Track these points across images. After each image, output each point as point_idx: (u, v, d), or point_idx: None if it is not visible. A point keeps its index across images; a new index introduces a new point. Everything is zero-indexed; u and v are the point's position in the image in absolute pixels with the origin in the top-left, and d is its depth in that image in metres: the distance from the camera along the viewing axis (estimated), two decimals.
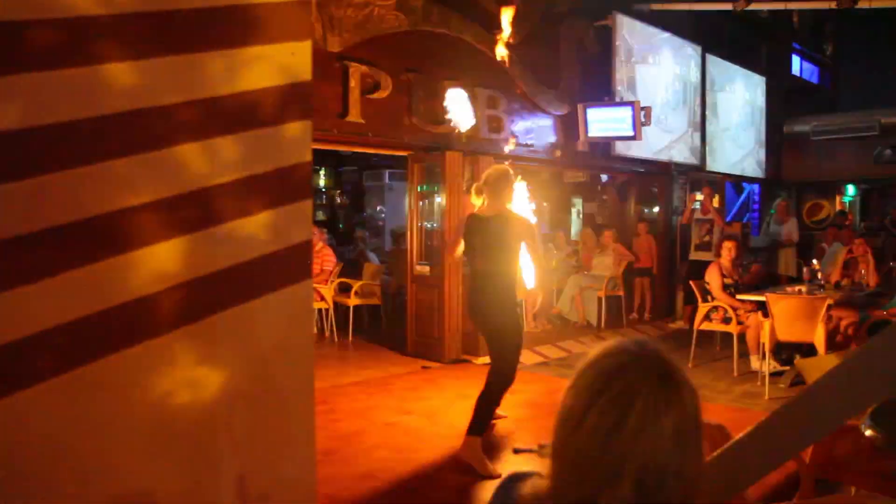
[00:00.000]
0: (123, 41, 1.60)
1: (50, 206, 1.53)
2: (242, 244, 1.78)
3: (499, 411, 4.99)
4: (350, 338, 8.48)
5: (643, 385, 0.97)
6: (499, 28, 7.78)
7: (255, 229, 1.80)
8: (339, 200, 15.18)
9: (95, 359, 1.57)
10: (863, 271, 7.64)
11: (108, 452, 1.65)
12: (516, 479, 1.14)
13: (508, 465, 4.40)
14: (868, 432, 2.97)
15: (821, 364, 3.66)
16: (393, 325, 8.93)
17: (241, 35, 1.78)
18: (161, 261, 1.65)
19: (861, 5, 8.76)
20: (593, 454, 0.95)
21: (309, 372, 1.92)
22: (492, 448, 4.59)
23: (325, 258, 8.61)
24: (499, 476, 4.22)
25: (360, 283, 8.83)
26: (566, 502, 0.97)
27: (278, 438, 1.89)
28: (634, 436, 0.94)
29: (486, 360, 6.27)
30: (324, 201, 15.12)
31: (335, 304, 8.60)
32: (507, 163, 5.44)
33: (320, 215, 14.53)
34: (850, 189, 14.90)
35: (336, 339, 8.38)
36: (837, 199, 14.55)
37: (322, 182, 15.20)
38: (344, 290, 8.80)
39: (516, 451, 4.55)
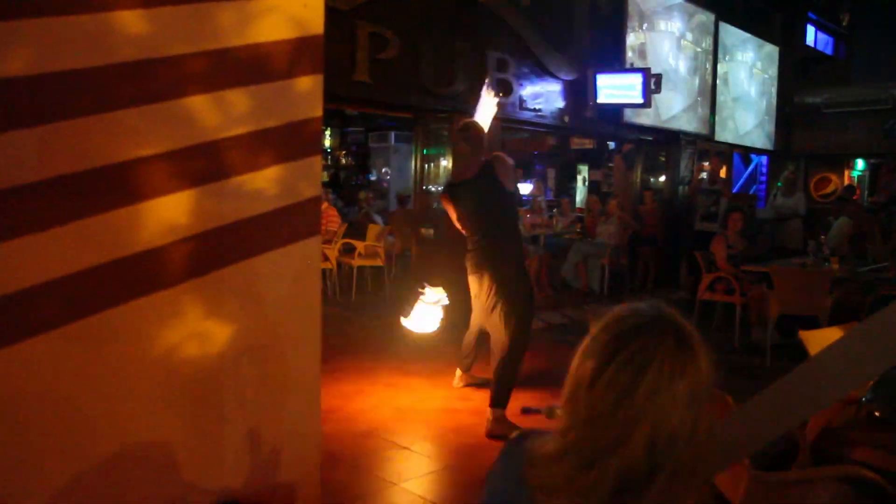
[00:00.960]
0: None
1: (59, 154, 1.52)
2: (251, 198, 1.77)
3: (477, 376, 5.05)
4: (353, 298, 8.51)
5: (659, 347, 0.97)
6: None
7: (265, 184, 1.79)
8: (344, 161, 15.09)
9: (103, 309, 1.58)
10: (869, 246, 7.61)
11: (114, 403, 1.66)
12: (526, 436, 1.15)
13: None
14: (868, 404, 2.99)
15: (824, 337, 3.66)
16: (397, 286, 8.95)
17: None
18: (170, 213, 1.65)
19: None
20: (606, 413, 0.95)
21: (315, 327, 1.92)
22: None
23: (329, 218, 8.60)
24: None
25: (364, 244, 8.83)
26: (577, 459, 0.98)
27: (284, 392, 1.90)
28: (648, 397, 0.94)
29: None
30: (329, 161, 15.04)
31: (339, 264, 8.61)
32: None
33: (325, 176, 14.47)
34: (860, 163, 14.76)
35: (339, 300, 8.41)
36: (846, 173, 14.42)
37: (327, 142, 15.10)
38: (348, 250, 8.81)
39: (525, 411, 4.55)
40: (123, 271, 1.59)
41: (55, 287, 1.51)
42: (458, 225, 4.49)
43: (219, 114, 1.69)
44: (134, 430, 1.67)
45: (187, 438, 1.74)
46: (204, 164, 1.68)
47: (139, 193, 1.59)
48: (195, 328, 1.70)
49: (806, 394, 1.82)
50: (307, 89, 1.83)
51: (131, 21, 1.56)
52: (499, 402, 4.26)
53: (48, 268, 1.50)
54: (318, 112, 1.87)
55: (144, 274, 1.62)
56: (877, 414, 2.89)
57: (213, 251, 1.71)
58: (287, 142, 1.81)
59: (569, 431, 1.01)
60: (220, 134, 1.69)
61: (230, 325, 1.75)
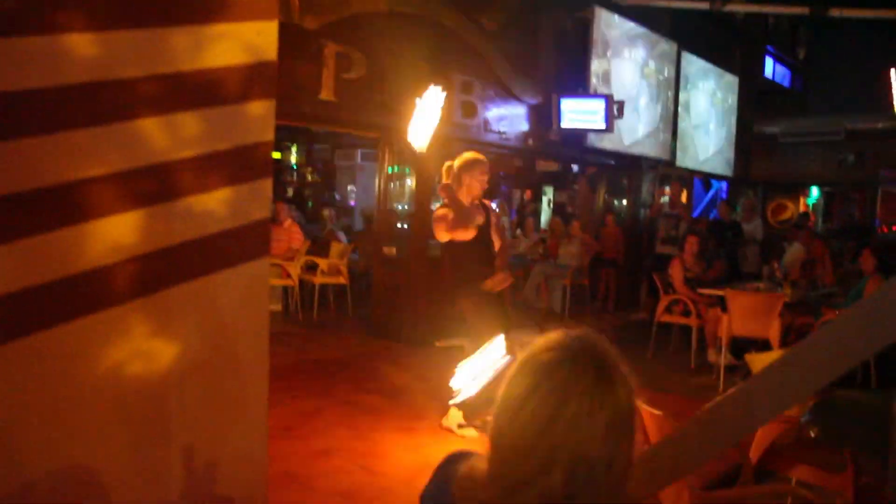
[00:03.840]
0: (87, 12, 1.60)
1: (7, 173, 1.53)
2: (201, 219, 1.80)
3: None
4: (315, 316, 8.48)
5: (579, 380, 1.00)
6: (478, 13, 7.79)
7: (214, 205, 1.81)
8: (309, 178, 15.06)
9: (48, 327, 1.58)
10: (819, 271, 7.83)
11: (54, 423, 1.65)
12: (455, 458, 1.19)
13: (451, 442, 4.47)
14: (807, 425, 3.10)
15: (768, 359, 3.78)
16: (359, 305, 8.95)
17: (207, 12, 1.79)
18: (118, 233, 1.67)
19: (833, 13, 8.91)
20: (528, 443, 0.99)
21: (263, 347, 1.94)
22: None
23: (293, 235, 8.58)
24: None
25: (327, 261, 8.82)
26: (500, 486, 1.02)
27: (230, 412, 1.92)
28: (568, 428, 0.98)
29: (449, 343, 6.38)
30: (294, 178, 14.97)
31: (301, 282, 8.58)
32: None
33: (289, 192, 14.41)
34: (815, 191, 15.19)
35: (301, 317, 8.37)
36: (802, 200, 14.83)
37: (293, 159, 15.05)
38: (311, 268, 8.78)
39: (460, 427, 4.61)
40: (69, 289, 1.60)
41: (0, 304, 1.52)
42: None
43: (169, 136, 1.72)
44: (75, 451, 1.67)
45: (131, 459, 1.74)
46: (153, 185, 1.70)
47: (87, 213, 1.61)
48: (141, 347, 1.71)
49: (745, 412, 1.89)
50: (259, 114, 1.87)
51: (83, 43, 1.59)
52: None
53: None
54: (270, 136, 1.90)
55: (91, 293, 1.63)
56: (812, 434, 3.00)
57: (161, 271, 1.73)
58: (238, 165, 1.84)
59: (494, 458, 1.05)
60: (171, 156, 1.72)
61: (176, 344, 1.77)
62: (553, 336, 1.08)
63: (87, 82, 1.58)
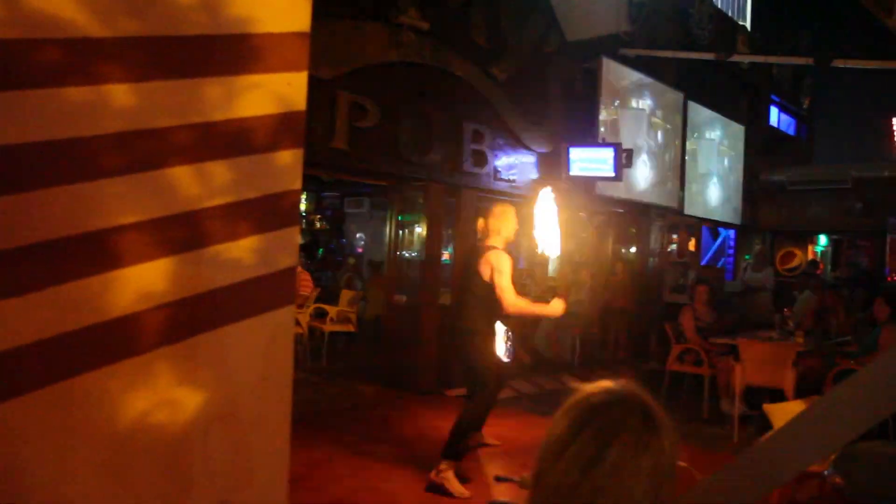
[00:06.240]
0: (124, 63, 1.64)
1: (40, 221, 1.55)
2: (229, 267, 1.80)
3: (491, 439, 5.11)
4: (324, 364, 8.43)
5: (626, 423, 1.01)
6: (489, 64, 7.94)
7: (242, 253, 1.82)
8: (318, 225, 15.13)
9: (76, 374, 1.58)
10: (832, 321, 7.77)
11: (78, 469, 1.64)
12: None
13: (486, 492, 4.40)
14: (831, 479, 3.04)
15: (787, 410, 3.73)
16: (368, 353, 8.90)
17: (239, 63, 1.83)
18: (147, 280, 1.67)
19: (836, 64, 9.05)
20: (571, 484, 0.98)
21: (287, 396, 1.93)
22: (471, 475, 4.64)
23: (301, 282, 8.58)
24: (468, 496, 4.24)
25: (336, 309, 8.81)
26: None
27: (252, 462, 1.89)
28: (612, 471, 0.97)
29: (460, 391, 6.30)
30: (303, 226, 15.03)
31: (310, 329, 8.55)
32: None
33: (298, 239, 14.43)
34: (822, 239, 15.19)
35: (309, 366, 8.32)
36: (810, 248, 14.82)
37: (303, 206, 15.14)
38: (320, 315, 8.76)
39: (497, 479, 4.57)
40: (98, 337, 1.60)
41: (29, 352, 1.52)
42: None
43: (200, 184, 1.74)
44: (97, 499, 1.64)
45: None
46: (183, 232, 1.71)
47: (117, 260, 1.62)
48: (166, 395, 1.70)
49: (768, 467, 1.86)
50: (287, 163, 1.90)
51: (120, 94, 1.62)
52: (446, 454, 4.41)
53: (23, 332, 1.51)
54: (298, 185, 1.93)
55: (118, 340, 1.63)
56: (841, 487, 2.93)
57: (188, 318, 1.73)
58: (266, 213, 1.86)
59: (535, 500, 1.04)
60: (201, 204, 1.74)
61: (201, 392, 1.76)
62: (601, 382, 1.09)
63: (123, 131, 1.61)
